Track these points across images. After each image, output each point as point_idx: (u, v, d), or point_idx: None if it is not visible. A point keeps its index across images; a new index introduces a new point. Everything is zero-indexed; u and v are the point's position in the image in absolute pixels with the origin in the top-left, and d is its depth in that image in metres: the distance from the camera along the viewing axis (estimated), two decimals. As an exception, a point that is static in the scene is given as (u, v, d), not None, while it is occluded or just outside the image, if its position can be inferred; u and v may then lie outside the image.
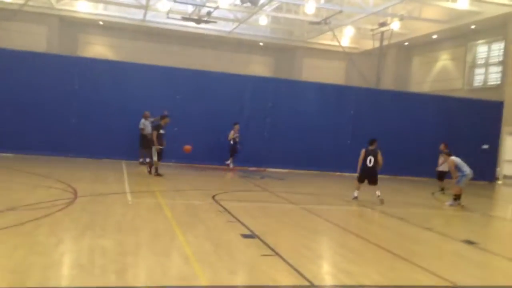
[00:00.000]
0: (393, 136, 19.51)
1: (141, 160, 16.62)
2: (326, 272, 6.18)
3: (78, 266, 5.42)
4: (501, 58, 25.14)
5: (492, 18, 23.23)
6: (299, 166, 18.57)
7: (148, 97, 17.40)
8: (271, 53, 35.82)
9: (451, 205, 12.49)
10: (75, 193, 9.89)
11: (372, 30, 28.52)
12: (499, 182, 21.10)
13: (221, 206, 9.71)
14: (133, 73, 17.77)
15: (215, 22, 27.67)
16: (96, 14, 29.71)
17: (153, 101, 17.37)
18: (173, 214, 8.57)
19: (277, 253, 6.37)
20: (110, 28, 30.95)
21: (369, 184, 11.91)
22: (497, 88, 24.47)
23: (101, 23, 30.36)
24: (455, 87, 27.08)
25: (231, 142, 17.45)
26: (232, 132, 17.43)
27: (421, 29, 28.26)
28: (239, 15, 29.06)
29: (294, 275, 5.56)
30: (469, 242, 8.05)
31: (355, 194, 12.01)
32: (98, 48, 31.73)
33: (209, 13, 25.98)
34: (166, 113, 14.37)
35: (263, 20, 28.85)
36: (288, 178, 16.36)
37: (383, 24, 27.29)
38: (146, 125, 16.32)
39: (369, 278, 5.76)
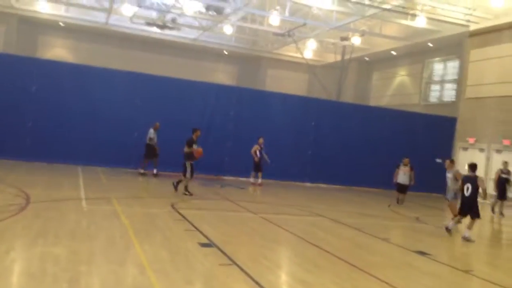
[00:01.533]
0: (352, 148, 20.00)
1: (141, 171, 16.30)
2: (283, 281, 6.21)
3: (28, 274, 5.23)
4: (456, 76, 26.24)
5: (448, 37, 24.22)
6: (264, 176, 18.60)
7: (108, 101, 17.12)
8: (236, 62, 35.98)
9: (452, 226, 11.34)
10: (27, 198, 9.55)
11: (334, 44, 29.19)
12: (452, 195, 21.84)
13: (180, 214, 9.61)
14: (93, 77, 17.43)
15: (179, 28, 27.58)
16: (57, 16, 28.99)
17: (114, 106, 17.13)
18: (129, 222, 8.41)
19: (235, 263, 6.36)
20: (71, 30, 30.28)
21: (465, 216, 10.29)
22: (451, 104, 25.46)
23: (62, 24, 29.66)
24: (412, 102, 28.03)
25: (255, 157, 17.05)
26: (256, 146, 17.13)
27: (381, 45, 29.14)
28: (204, 23, 29.07)
29: (251, 285, 5.56)
30: (422, 253, 8.30)
31: (450, 224, 10.51)
32: (58, 50, 30.96)
33: (173, 20, 25.87)
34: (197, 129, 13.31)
35: (228, 29, 28.97)
36: (248, 187, 16.38)
37: (345, 39, 27.99)
38: (154, 135, 16.22)
39: (325, 288, 5.84)
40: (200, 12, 25.61)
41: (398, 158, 15.85)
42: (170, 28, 26.72)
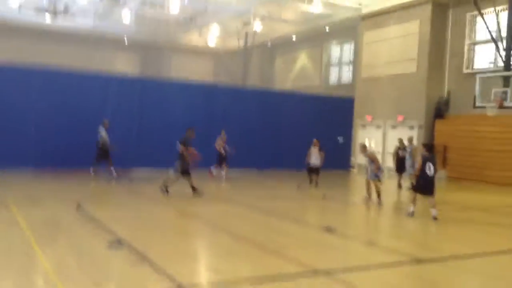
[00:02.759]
0: (260, 132, 20.38)
1: (92, 171, 15.52)
2: (196, 272, 6.21)
3: None
4: (351, 58, 27.73)
5: (343, 21, 25.46)
6: (170, 166, 18.30)
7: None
8: (137, 50, 34.89)
9: (379, 203, 12.06)
10: None
11: (237, 30, 29.38)
12: (354, 170, 23.24)
13: (87, 214, 9.19)
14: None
15: (73, 16, 26.04)
16: None
17: (4, 101, 15.82)
18: (30, 227, 7.86)
19: (147, 260, 6.23)
20: None
21: (425, 195, 10.39)
22: (349, 85, 26.93)
23: None
24: (314, 84, 29.21)
25: (222, 150, 16.99)
26: (219, 139, 16.90)
27: (282, 30, 29.86)
28: (101, 10, 27.70)
29: (164, 280, 5.49)
30: (329, 229, 8.73)
31: (411, 209, 10.42)
32: None
33: (66, 6, 24.36)
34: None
35: (127, 15, 27.90)
36: (159, 179, 16.02)
37: (247, 24, 28.28)
38: (106, 134, 15.55)
39: (238, 274, 5.94)
40: (95, -1, 24.39)
41: (305, 139, 16.38)
42: (63, 16, 25.10)
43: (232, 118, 20.01)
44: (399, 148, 16.48)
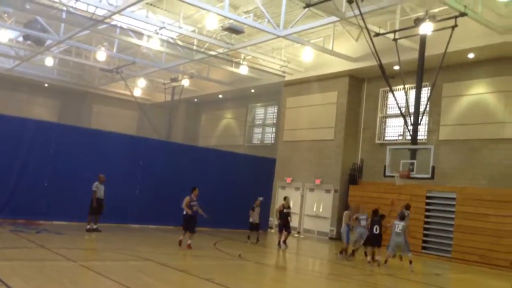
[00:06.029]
0: (181, 187, 20.01)
1: (88, 227, 15.18)
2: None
3: None
4: (274, 121, 28.80)
5: (268, 85, 26.61)
6: (84, 219, 17.40)
7: None
8: (58, 95, 33.79)
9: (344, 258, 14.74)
10: None
11: (164, 84, 29.60)
12: (272, 230, 23.45)
13: (-18, 268, 8.42)
14: None
15: (-9, 56, 24.91)
16: None
17: None
18: None
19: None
20: None
21: (373, 247, 14.14)
22: (271, 146, 27.76)
23: None
24: (237, 143, 29.75)
25: (188, 212, 14.21)
26: (187, 199, 14.37)
27: (209, 88, 30.56)
28: (22, 53, 26.79)
29: None
30: (243, 291, 8.68)
31: (378, 257, 13.81)
32: None
33: (-16, 46, 23.32)
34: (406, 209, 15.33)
35: (49, 61, 27.21)
36: (68, 232, 15.14)
37: (174, 80, 28.65)
38: (99, 188, 15.67)
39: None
40: (17, 41, 23.61)
41: (227, 197, 16.72)
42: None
43: (152, 171, 19.67)
44: (283, 207, 16.95)
